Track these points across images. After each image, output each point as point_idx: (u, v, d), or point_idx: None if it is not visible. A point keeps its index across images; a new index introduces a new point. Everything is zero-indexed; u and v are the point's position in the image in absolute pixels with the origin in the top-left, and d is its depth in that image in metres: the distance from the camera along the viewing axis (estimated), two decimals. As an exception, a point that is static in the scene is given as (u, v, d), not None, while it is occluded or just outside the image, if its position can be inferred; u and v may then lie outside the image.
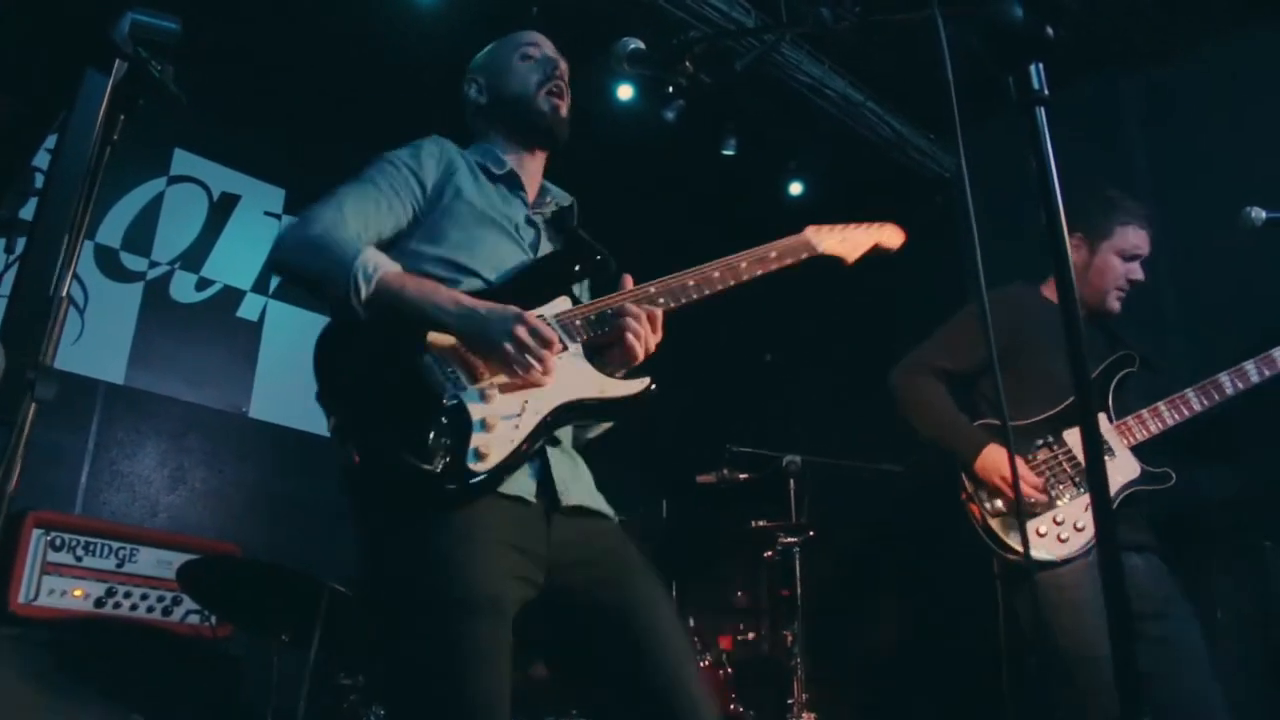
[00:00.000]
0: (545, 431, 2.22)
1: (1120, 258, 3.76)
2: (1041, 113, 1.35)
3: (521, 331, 2.15)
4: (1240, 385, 3.64)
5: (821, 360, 6.57)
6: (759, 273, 2.53)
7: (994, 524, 3.46)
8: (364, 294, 2.17)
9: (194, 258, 5.48)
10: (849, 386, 6.49)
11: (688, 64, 2.23)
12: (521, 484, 2.18)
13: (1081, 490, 3.47)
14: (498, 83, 2.65)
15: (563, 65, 2.66)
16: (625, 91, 5.17)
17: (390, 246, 2.39)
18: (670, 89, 2.32)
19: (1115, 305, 3.78)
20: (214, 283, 5.52)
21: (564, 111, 2.62)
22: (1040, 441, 3.54)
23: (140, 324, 5.20)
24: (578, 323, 2.34)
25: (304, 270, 2.29)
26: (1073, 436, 3.53)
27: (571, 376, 2.29)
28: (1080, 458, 3.47)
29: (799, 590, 4.86)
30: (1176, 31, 5.31)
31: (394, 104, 5.61)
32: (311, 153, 5.75)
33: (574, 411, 2.29)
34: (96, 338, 5.02)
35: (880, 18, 1.59)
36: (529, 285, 2.38)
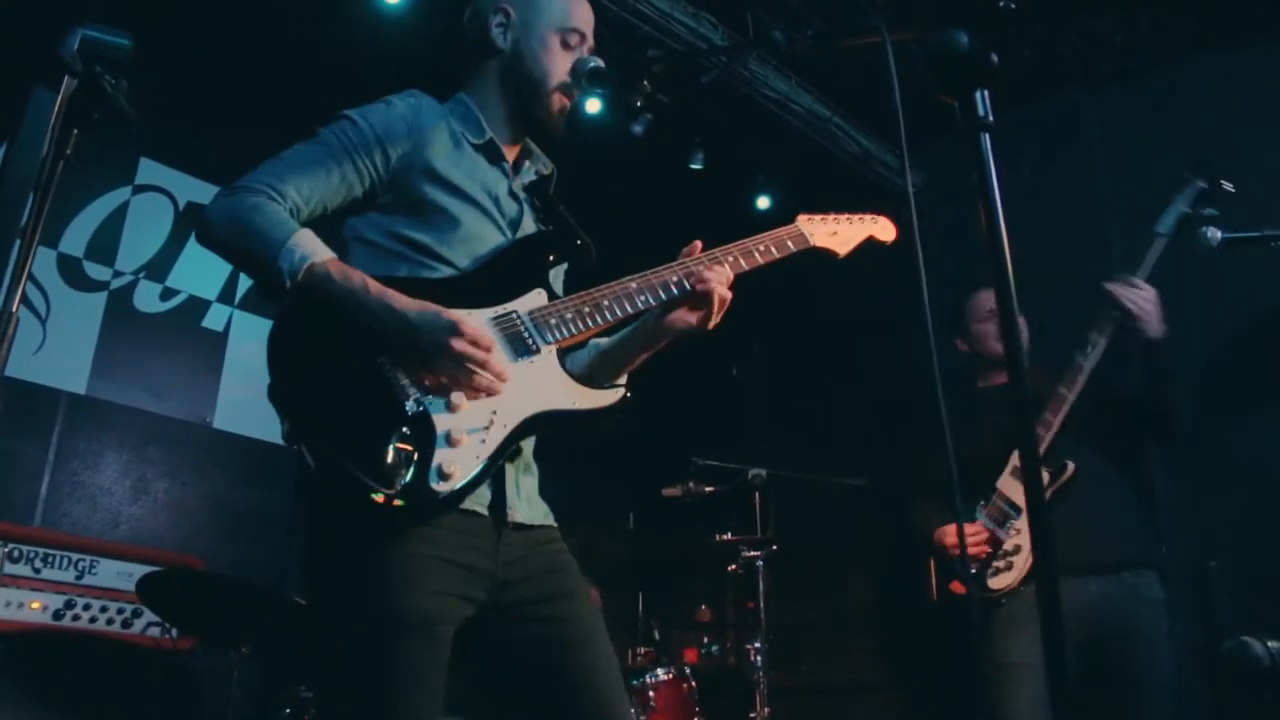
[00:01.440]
0: (513, 444, 2.09)
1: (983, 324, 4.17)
2: (986, 139, 1.37)
3: (459, 345, 1.98)
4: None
5: (787, 374, 6.59)
6: (745, 268, 2.40)
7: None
8: (288, 285, 1.99)
9: (159, 267, 5.45)
10: (814, 400, 6.54)
11: (646, 84, 2.21)
12: (476, 498, 2.08)
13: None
14: (525, 43, 2.40)
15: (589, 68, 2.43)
16: (593, 105, 5.19)
17: (352, 214, 2.25)
18: (637, 104, 2.23)
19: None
20: (179, 292, 5.49)
21: (563, 117, 2.44)
22: (981, 501, 3.79)
23: (103, 334, 5.17)
24: (553, 321, 2.19)
25: (229, 248, 2.09)
26: (1003, 482, 3.79)
27: (542, 384, 2.15)
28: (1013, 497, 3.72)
29: (762, 604, 4.87)
30: (1137, 53, 5.37)
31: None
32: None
33: (544, 422, 2.14)
34: (58, 348, 4.98)
35: (832, 41, 1.61)
36: (503, 274, 2.23)
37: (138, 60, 5.08)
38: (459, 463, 1.98)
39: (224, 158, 5.64)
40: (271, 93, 5.54)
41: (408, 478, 1.93)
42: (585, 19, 2.47)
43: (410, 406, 1.99)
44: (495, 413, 2.06)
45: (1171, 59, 5.33)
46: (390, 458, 1.93)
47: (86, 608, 4.07)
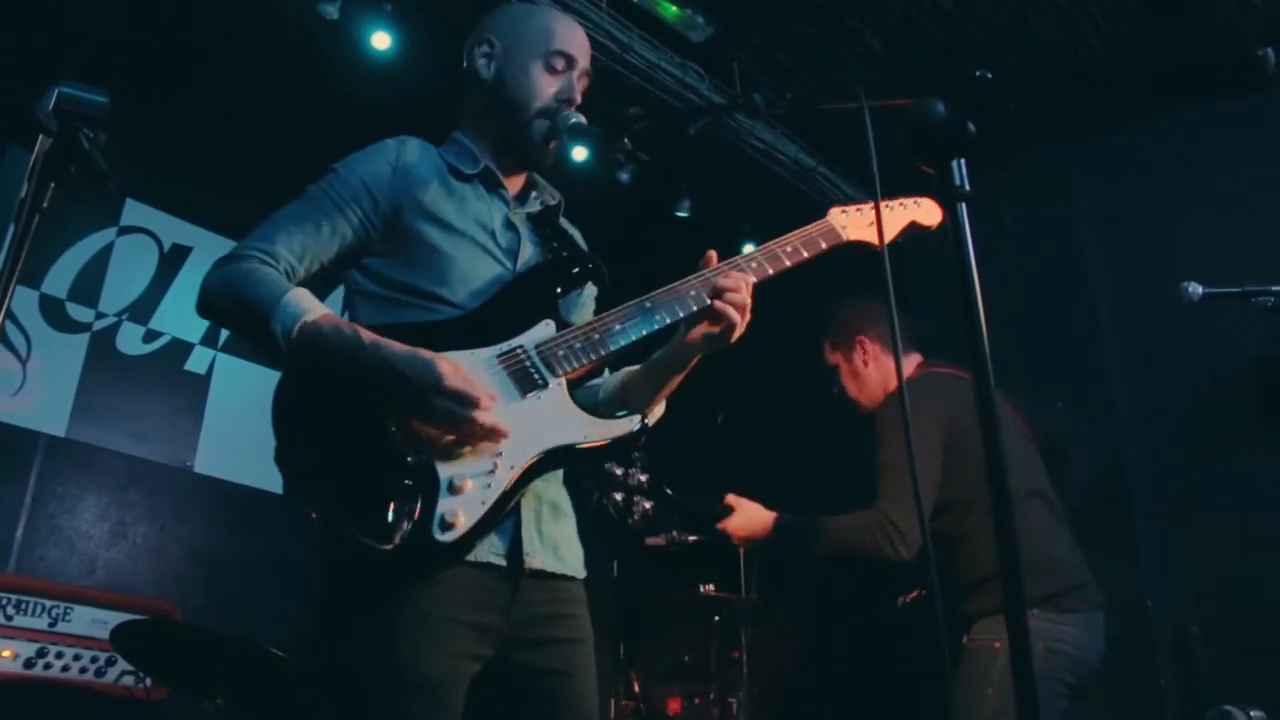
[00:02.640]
0: (524, 485, 2.02)
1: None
2: (963, 209, 1.37)
3: (446, 399, 1.92)
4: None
5: (773, 422, 6.58)
6: (771, 272, 2.28)
7: None
8: (283, 346, 1.97)
9: (142, 309, 5.43)
10: (800, 448, 6.52)
11: (627, 141, 2.19)
12: (490, 547, 2.02)
13: None
14: (508, 72, 2.34)
15: (579, 95, 2.37)
16: (580, 153, 5.20)
17: (352, 266, 2.21)
18: (619, 159, 2.21)
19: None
20: (162, 335, 5.47)
21: (551, 148, 2.34)
22: None
23: (85, 376, 5.14)
24: (560, 353, 2.10)
25: (227, 316, 2.10)
26: None
27: (551, 420, 2.06)
28: None
29: (745, 656, 4.83)
30: (1120, 107, 5.43)
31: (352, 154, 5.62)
32: (265, 204, 5.71)
33: (556, 459, 2.05)
34: (38, 389, 4.95)
35: (812, 104, 1.62)
36: (508, 308, 2.15)
37: (126, 102, 5.07)
38: (463, 509, 1.92)
39: (211, 199, 5.68)
40: (259, 136, 5.57)
41: (409, 529, 1.89)
42: (571, 41, 2.39)
43: (412, 457, 1.94)
44: (501, 455, 1.99)
45: (1154, 112, 5.38)
46: (391, 510, 1.89)
47: (59, 656, 4.01)
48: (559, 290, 2.23)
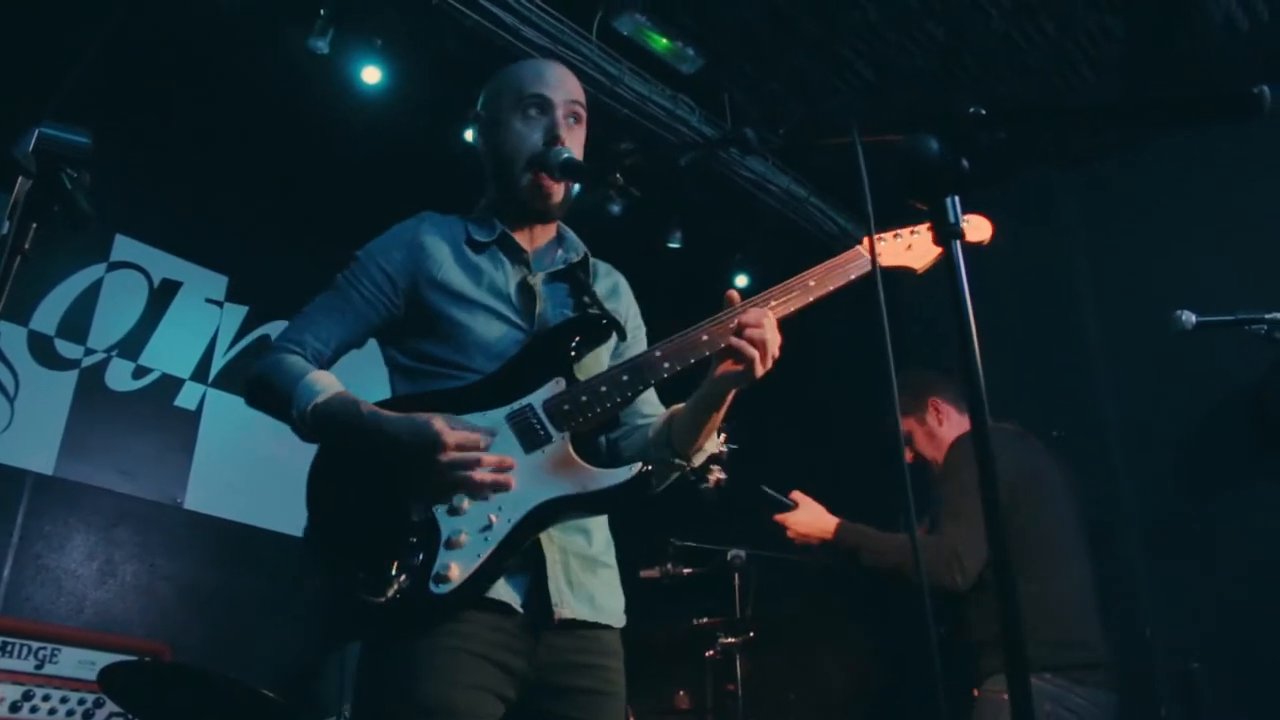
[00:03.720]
0: (525, 537, 2.09)
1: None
2: (957, 246, 1.35)
3: (447, 456, 2.03)
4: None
5: (766, 452, 6.55)
6: (793, 309, 2.25)
7: None
8: (303, 432, 2.17)
9: (132, 345, 5.39)
10: (794, 478, 6.48)
11: (618, 176, 2.19)
12: (503, 590, 2.08)
13: None
14: (493, 136, 2.42)
15: (564, 131, 2.36)
16: (575, 185, 5.21)
17: (387, 343, 2.38)
18: (610, 193, 2.21)
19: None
20: (151, 371, 5.43)
21: (551, 193, 2.35)
22: None
23: (73, 413, 5.08)
24: (565, 408, 2.16)
25: (264, 406, 2.28)
26: None
27: (550, 473, 2.13)
28: None
29: (740, 690, 4.77)
30: (1110, 133, 5.44)
31: (341, 191, 5.61)
32: (255, 239, 5.72)
33: (556, 511, 2.12)
34: (26, 427, 4.89)
35: (803, 140, 1.60)
36: (521, 370, 2.22)
37: (116, 137, 5.07)
38: (458, 563, 2.02)
39: (201, 235, 5.66)
40: (250, 171, 5.56)
41: (406, 584, 2.01)
42: (542, 82, 2.40)
43: (417, 517, 2.07)
44: (499, 509, 2.08)
45: (1145, 139, 5.40)
46: (394, 568, 2.03)
47: (46, 698, 3.96)
48: (573, 349, 2.26)
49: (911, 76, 5.24)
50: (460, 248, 2.36)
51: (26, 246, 1.65)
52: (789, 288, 2.28)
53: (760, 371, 2.17)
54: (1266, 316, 3.59)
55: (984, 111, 1.35)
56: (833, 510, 3.83)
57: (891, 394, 1.72)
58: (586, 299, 2.40)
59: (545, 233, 2.48)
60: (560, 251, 2.49)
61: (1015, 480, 3.60)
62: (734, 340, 2.15)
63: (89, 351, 5.23)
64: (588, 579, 2.21)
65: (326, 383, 2.19)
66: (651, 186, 5.04)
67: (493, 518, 2.07)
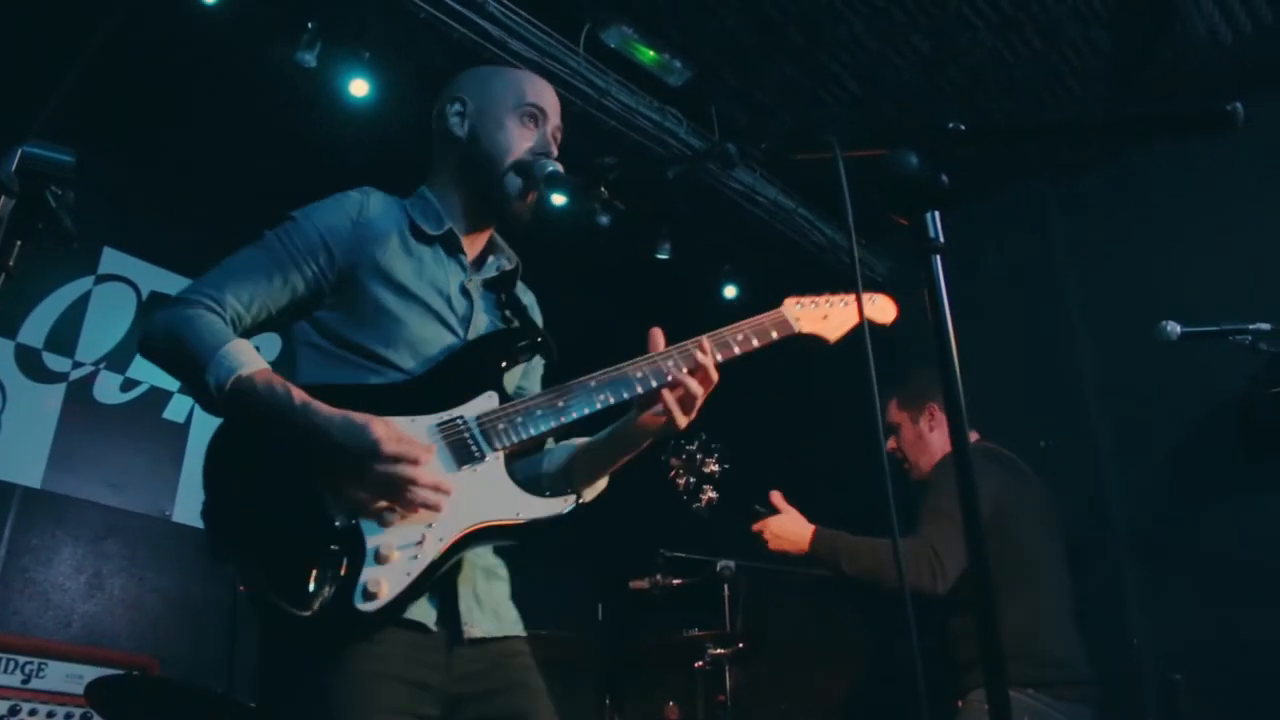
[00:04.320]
0: (452, 557, 2.00)
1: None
2: (937, 261, 1.36)
3: (383, 465, 1.91)
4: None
5: (755, 462, 6.56)
6: (720, 360, 2.26)
7: None
8: (216, 400, 1.96)
9: (120, 358, 5.39)
10: (784, 489, 6.49)
11: (603, 190, 2.20)
12: (420, 610, 1.99)
13: None
14: (481, 128, 2.36)
15: (554, 149, 2.39)
16: (559, 197, 5.21)
17: (301, 317, 2.21)
18: (595, 206, 2.21)
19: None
20: (140, 383, 5.42)
21: (528, 206, 2.36)
22: None
23: (61, 426, 5.08)
24: (500, 426, 2.09)
25: (166, 361, 2.08)
26: None
27: (485, 494, 2.04)
28: None
29: (730, 701, 4.77)
30: (1098, 144, 5.47)
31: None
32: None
33: (486, 535, 2.03)
34: (14, 440, 4.89)
35: (785, 155, 1.62)
36: (452, 378, 2.14)
37: (104, 150, 5.05)
38: (386, 580, 1.90)
39: (189, 247, 5.65)
40: (237, 183, 5.56)
41: (330, 597, 1.87)
42: (543, 96, 2.41)
43: (340, 522, 1.93)
44: (430, 526, 1.98)
45: (1132, 151, 5.42)
46: (314, 577, 1.88)
47: (33, 713, 3.95)
48: (505, 363, 2.24)
49: (898, 89, 5.27)
50: (405, 235, 2.27)
51: (11, 264, 1.65)
52: (719, 338, 2.31)
53: (684, 424, 2.19)
54: (1250, 327, 3.62)
55: (963, 127, 1.37)
56: (824, 519, 3.83)
57: (879, 411, 1.72)
58: (511, 312, 2.38)
59: (484, 239, 2.44)
60: (492, 258, 2.45)
61: (997, 500, 3.62)
62: (667, 393, 2.17)
63: (77, 364, 5.23)
64: (491, 591, 2.17)
65: (249, 356, 1.99)
66: (639, 198, 5.05)
67: (425, 535, 1.96)
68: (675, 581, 5.22)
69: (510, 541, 2.15)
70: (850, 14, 4.77)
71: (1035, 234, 5.76)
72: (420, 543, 1.96)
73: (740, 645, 4.81)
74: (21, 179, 1.55)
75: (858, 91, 5.31)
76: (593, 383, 2.18)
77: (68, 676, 4.07)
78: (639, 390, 2.18)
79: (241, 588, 1.88)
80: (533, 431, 2.12)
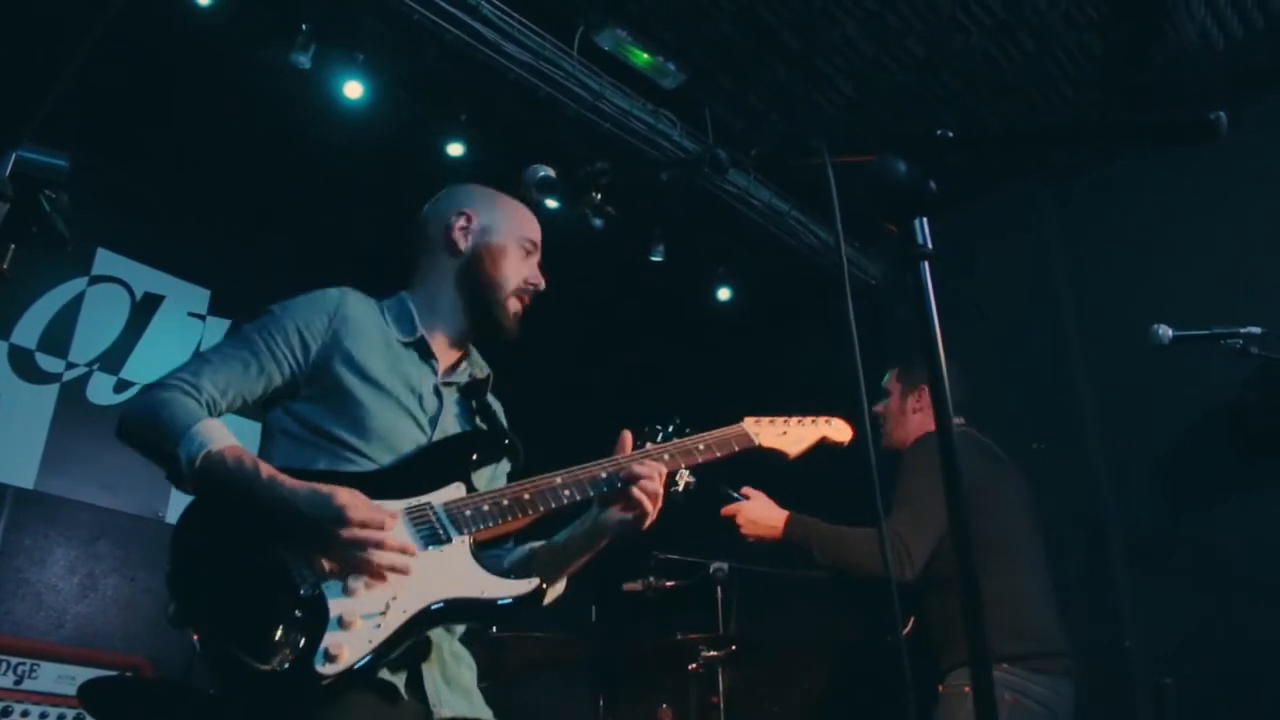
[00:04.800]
0: (414, 632, 2.03)
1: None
2: (925, 267, 1.37)
3: (348, 531, 1.95)
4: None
5: (748, 466, 6.57)
6: (682, 466, 2.38)
7: None
8: (185, 475, 2.03)
9: (113, 359, 5.39)
10: (776, 491, 6.50)
11: (595, 194, 2.22)
12: (394, 676, 2.04)
13: None
14: (487, 247, 2.48)
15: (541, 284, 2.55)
16: (551, 202, 5.21)
17: (276, 405, 2.28)
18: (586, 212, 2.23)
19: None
20: (133, 384, 5.42)
21: (519, 317, 2.50)
22: None
23: (54, 427, 5.08)
24: (468, 513, 2.15)
25: (140, 441, 2.14)
26: None
27: (450, 572, 2.08)
28: None
29: (722, 703, 4.78)
30: (1090, 147, 5.48)
31: (323, 205, 5.63)
32: (237, 254, 5.72)
33: (449, 611, 2.07)
34: (7, 441, 4.89)
35: (776, 160, 1.62)
36: (421, 470, 2.22)
37: (98, 151, 5.04)
38: (348, 645, 1.92)
39: (183, 248, 5.67)
40: (232, 185, 5.57)
41: (290, 654, 1.89)
42: (538, 231, 2.59)
43: (305, 590, 1.97)
44: (394, 598, 2.01)
45: (1122, 155, 5.44)
46: (277, 638, 1.90)
47: (25, 714, 3.95)
48: (474, 460, 2.30)
49: (891, 93, 5.28)
50: (385, 332, 2.37)
51: (5, 267, 1.66)
52: (683, 448, 2.40)
53: (647, 524, 2.25)
54: (1242, 330, 3.63)
55: (951, 134, 1.38)
56: (807, 508, 3.84)
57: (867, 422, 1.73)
58: (481, 416, 2.46)
59: (461, 348, 2.53)
60: (464, 365, 2.52)
61: (971, 475, 3.62)
62: (634, 489, 2.21)
63: (70, 365, 5.23)
64: (460, 675, 2.22)
65: (219, 434, 2.07)
66: (633, 201, 5.05)
67: (389, 605, 1.99)
68: (668, 584, 5.22)
69: (477, 620, 2.22)
70: (844, 18, 4.78)
71: (1027, 237, 5.77)
72: (384, 612, 1.99)
73: (733, 647, 4.82)
74: (15, 183, 1.56)
75: (851, 95, 5.32)
76: (558, 479, 2.24)
77: (60, 677, 4.07)
78: (604, 489, 2.25)
79: (194, 637, 1.91)
80: (498, 520, 2.17)
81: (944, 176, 1.40)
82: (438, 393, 2.38)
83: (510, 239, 2.51)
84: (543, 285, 2.53)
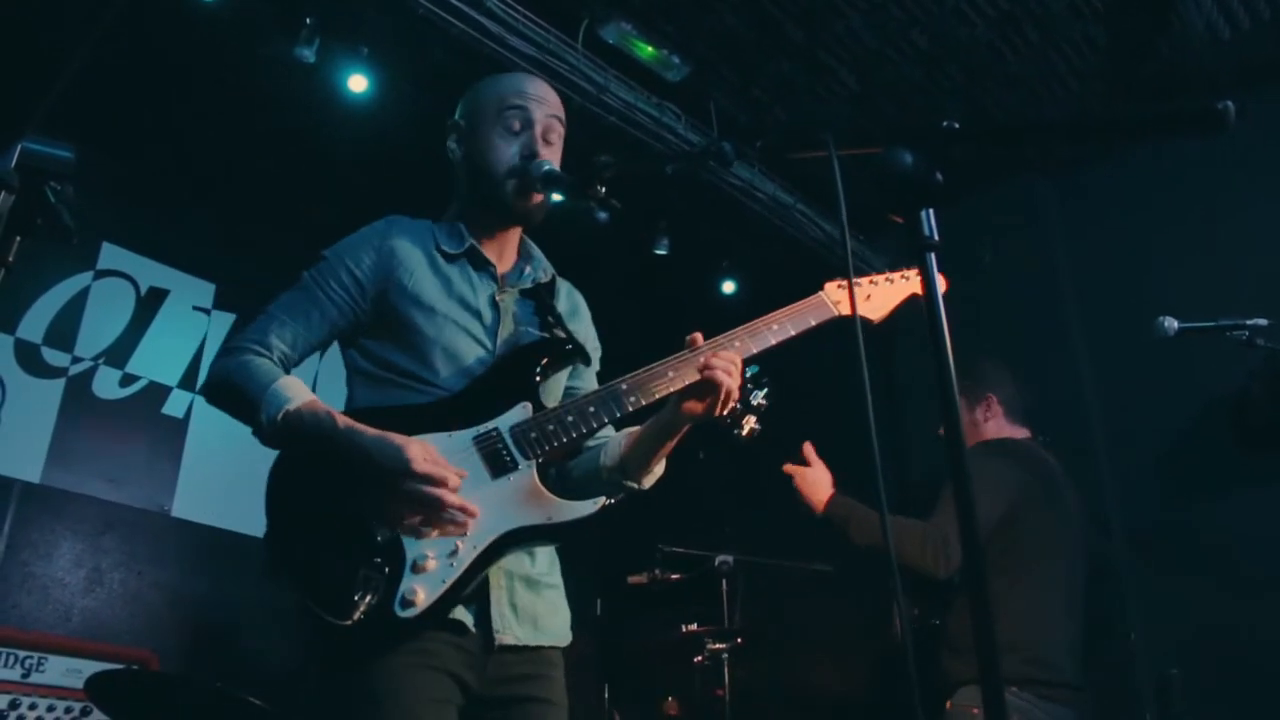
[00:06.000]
0: (489, 562, 2.12)
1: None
2: (932, 259, 1.37)
3: (412, 484, 2.04)
4: None
5: (755, 458, 6.56)
6: (755, 351, 2.34)
7: None
8: (269, 432, 2.13)
9: (119, 353, 5.38)
10: (782, 484, 6.49)
11: (600, 187, 2.22)
12: (461, 610, 2.11)
13: None
14: (472, 146, 2.45)
15: (541, 146, 2.40)
16: (555, 195, 5.21)
17: (349, 346, 2.36)
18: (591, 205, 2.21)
19: None
20: (139, 379, 5.42)
21: (535, 203, 2.41)
22: None
23: (60, 421, 5.08)
24: (533, 435, 2.19)
25: (227, 408, 2.24)
26: None
27: (518, 501, 2.16)
28: None
29: (728, 696, 4.79)
30: (1093, 142, 5.47)
31: (328, 198, 5.62)
32: (243, 247, 5.72)
33: (520, 539, 2.16)
34: (13, 435, 4.89)
35: (780, 153, 1.62)
36: (487, 391, 2.25)
37: (103, 145, 5.05)
38: (423, 588, 2.03)
39: (188, 242, 5.66)
40: (236, 178, 5.57)
41: (372, 605, 2.00)
42: (522, 95, 2.45)
43: (382, 536, 2.06)
44: (464, 536, 2.09)
45: (1130, 145, 5.43)
46: (356, 588, 2.01)
47: (33, 707, 3.96)
48: (538, 372, 2.31)
49: (896, 85, 5.27)
50: (432, 255, 2.38)
51: (10, 259, 1.66)
52: (754, 330, 2.36)
53: (721, 412, 2.26)
54: (1247, 323, 3.62)
55: (956, 125, 1.38)
56: (809, 525, 3.86)
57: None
58: (551, 319, 2.44)
59: (513, 248, 2.51)
60: (528, 269, 2.51)
61: (1022, 490, 3.64)
62: (706, 373, 2.22)
63: (76, 359, 5.23)
64: (532, 600, 2.24)
65: (297, 390, 2.16)
66: (638, 193, 5.05)
67: (459, 544, 2.09)
68: (674, 577, 5.23)
69: (547, 543, 2.30)
70: (848, 10, 4.78)
71: (1032, 229, 5.77)
72: (455, 552, 2.09)
73: (739, 640, 4.84)
74: (21, 175, 1.57)
75: (856, 87, 5.31)
76: (624, 385, 2.26)
77: (67, 671, 4.08)
78: (671, 389, 2.26)
79: (292, 590, 2.05)
80: (563, 439, 2.21)
81: (949, 169, 1.40)
82: (494, 304, 2.39)
83: (487, 126, 2.43)
84: (540, 152, 2.39)
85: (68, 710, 4.03)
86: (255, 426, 2.15)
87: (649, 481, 2.42)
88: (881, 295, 2.61)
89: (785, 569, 5.33)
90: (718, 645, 4.86)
